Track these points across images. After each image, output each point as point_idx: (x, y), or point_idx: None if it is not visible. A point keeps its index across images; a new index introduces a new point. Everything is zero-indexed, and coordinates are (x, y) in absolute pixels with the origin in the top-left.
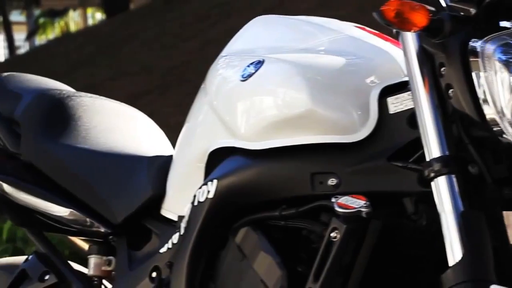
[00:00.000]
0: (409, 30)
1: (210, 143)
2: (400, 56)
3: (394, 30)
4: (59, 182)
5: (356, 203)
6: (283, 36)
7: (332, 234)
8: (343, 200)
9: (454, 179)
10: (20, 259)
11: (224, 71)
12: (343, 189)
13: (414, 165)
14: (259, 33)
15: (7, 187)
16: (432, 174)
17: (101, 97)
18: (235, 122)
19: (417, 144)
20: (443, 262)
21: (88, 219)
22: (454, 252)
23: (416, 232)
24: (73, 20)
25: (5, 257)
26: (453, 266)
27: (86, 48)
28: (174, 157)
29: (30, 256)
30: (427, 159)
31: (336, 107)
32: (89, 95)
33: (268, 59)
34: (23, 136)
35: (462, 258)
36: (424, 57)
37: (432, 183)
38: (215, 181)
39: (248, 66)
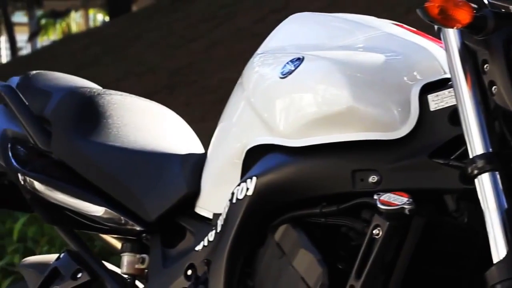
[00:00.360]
0: (452, 27)
1: (248, 140)
2: (438, 53)
3: (436, 27)
4: (90, 180)
5: (399, 200)
6: (320, 34)
7: (375, 231)
8: (386, 197)
9: (498, 176)
10: (49, 257)
11: (261, 68)
12: (384, 186)
13: (456, 162)
14: (296, 31)
15: (38, 185)
16: (476, 171)
17: (131, 95)
18: (274, 119)
19: (458, 141)
20: (485, 260)
21: (122, 217)
22: (498, 249)
23: (457, 230)
24: (75, 21)
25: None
26: (497, 263)
27: (91, 49)
28: (208, 155)
29: (62, 254)
30: (470, 156)
31: (377, 104)
32: (119, 93)
33: (307, 57)
34: (54, 134)
35: (506, 255)
36: (467, 54)
37: (476, 180)
38: (254, 178)
39: (288, 63)
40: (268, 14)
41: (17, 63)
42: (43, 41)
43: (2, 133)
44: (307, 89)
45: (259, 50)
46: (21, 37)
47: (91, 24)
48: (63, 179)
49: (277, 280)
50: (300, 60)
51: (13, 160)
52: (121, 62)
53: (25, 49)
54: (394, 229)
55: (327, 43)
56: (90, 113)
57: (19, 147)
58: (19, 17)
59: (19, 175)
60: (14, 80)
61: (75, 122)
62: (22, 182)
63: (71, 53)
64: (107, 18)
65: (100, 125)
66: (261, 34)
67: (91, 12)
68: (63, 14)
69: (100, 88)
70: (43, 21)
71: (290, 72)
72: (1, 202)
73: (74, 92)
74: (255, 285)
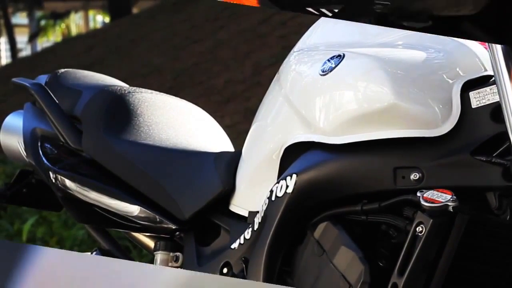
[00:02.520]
0: None
1: (286, 138)
2: (478, 50)
3: None
4: (122, 178)
5: (442, 197)
6: (359, 31)
7: (418, 229)
8: (429, 194)
9: None
10: None
11: (300, 66)
12: (426, 184)
13: (498, 160)
14: (333, 28)
15: (70, 183)
16: None
17: (161, 93)
18: (314, 116)
19: (500, 138)
20: None
21: (156, 216)
22: None
23: (499, 227)
24: (75, 23)
25: None
26: None
27: (95, 50)
28: (243, 152)
29: (94, 253)
30: None
31: (418, 101)
32: (149, 91)
33: (348, 54)
34: (84, 133)
35: None
36: (510, 51)
37: None
38: (294, 175)
39: (328, 60)
40: (272, 15)
41: (19, 64)
42: (42, 42)
43: (32, 131)
44: (348, 86)
45: (295, 48)
46: (21, 38)
47: (91, 25)
48: (95, 178)
49: (317, 278)
50: (340, 57)
51: (43, 158)
52: (125, 63)
53: (25, 51)
54: (437, 227)
55: (366, 41)
56: (120, 111)
57: (49, 145)
58: (19, 18)
59: (50, 173)
60: (42, 78)
61: (106, 120)
62: (54, 181)
63: (74, 54)
64: (107, 20)
65: (131, 123)
66: (266, 35)
67: (91, 13)
68: (63, 15)
69: (129, 86)
70: (42, 22)
71: (331, 69)
72: (29, 200)
73: (104, 90)
74: (294, 283)
